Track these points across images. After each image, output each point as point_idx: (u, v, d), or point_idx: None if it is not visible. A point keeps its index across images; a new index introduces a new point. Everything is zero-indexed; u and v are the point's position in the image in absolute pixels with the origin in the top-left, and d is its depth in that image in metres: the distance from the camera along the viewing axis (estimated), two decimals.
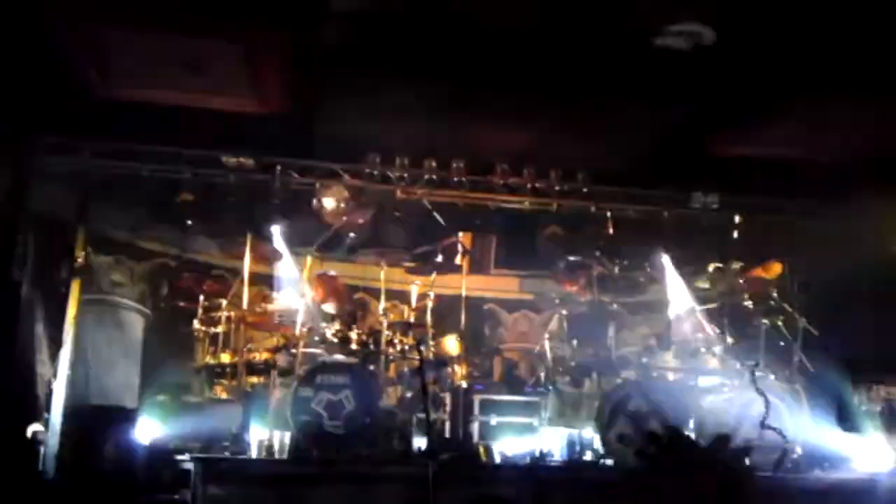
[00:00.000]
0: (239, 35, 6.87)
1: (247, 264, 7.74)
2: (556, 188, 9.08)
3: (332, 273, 8.06)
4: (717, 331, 7.98)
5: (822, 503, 6.19)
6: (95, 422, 6.38)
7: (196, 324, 7.79)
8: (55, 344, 7.04)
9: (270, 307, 7.64)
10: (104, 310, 7.89)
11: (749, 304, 8.00)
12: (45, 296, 7.48)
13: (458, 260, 8.43)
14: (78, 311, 7.17)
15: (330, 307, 7.67)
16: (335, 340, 7.39)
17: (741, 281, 8.14)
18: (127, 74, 7.38)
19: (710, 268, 8.76)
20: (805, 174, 8.75)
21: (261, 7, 6.64)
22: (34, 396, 6.98)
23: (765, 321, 7.81)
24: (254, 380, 7.51)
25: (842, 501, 6.19)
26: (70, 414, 6.46)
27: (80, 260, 7.64)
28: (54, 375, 6.75)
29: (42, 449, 6.36)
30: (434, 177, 8.87)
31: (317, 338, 7.40)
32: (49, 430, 6.45)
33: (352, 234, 8.84)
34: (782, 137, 8.27)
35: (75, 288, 7.29)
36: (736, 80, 7.53)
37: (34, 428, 6.52)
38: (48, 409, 6.60)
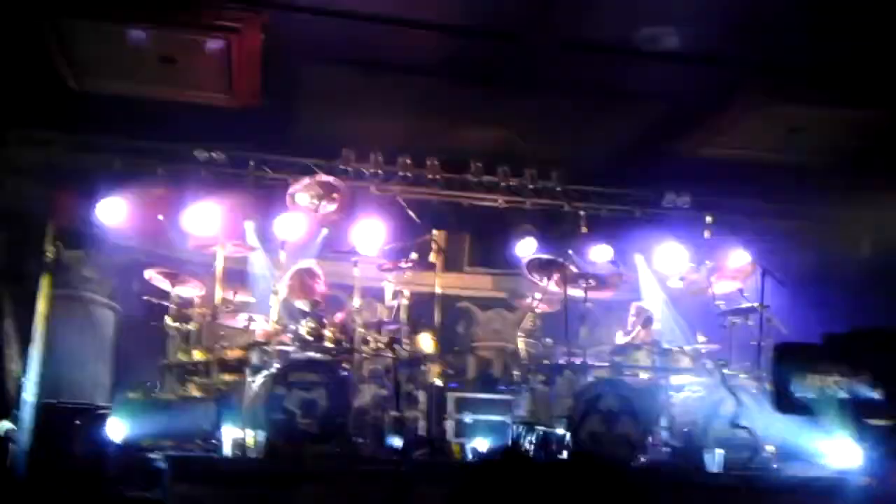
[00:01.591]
0: (214, 28, 6.80)
1: (219, 260, 7.68)
2: (530, 187, 9.13)
3: (314, 269, 8.02)
4: (688, 329, 8.08)
5: (793, 501, 6.28)
6: (66, 419, 6.32)
7: (168, 320, 7.72)
8: (24, 340, 6.94)
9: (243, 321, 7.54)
10: (75, 306, 7.79)
11: (719, 303, 8.08)
12: (14, 291, 7.38)
13: (432, 257, 8.44)
14: (48, 306, 7.07)
15: (304, 304, 7.63)
16: (309, 338, 7.36)
17: (711, 280, 8.23)
18: (100, 67, 7.29)
19: (682, 267, 8.86)
20: (775, 174, 8.86)
21: (237, 0, 6.60)
22: (3, 393, 6.89)
23: (735, 320, 7.90)
24: (226, 377, 7.45)
25: (813, 499, 6.29)
26: (40, 411, 6.37)
27: (49, 255, 7.53)
28: (24, 372, 6.66)
29: (12, 446, 6.27)
30: (408, 174, 8.87)
31: (290, 335, 7.36)
32: (19, 427, 6.36)
33: (325, 231, 8.80)
34: (753, 138, 8.35)
35: (45, 283, 7.19)
36: (707, 81, 7.61)
37: (4, 425, 6.44)
38: (18, 407, 6.50)
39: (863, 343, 2.62)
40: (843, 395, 2.55)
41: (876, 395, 2.54)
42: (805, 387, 2.58)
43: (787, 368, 2.61)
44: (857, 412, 2.60)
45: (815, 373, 2.59)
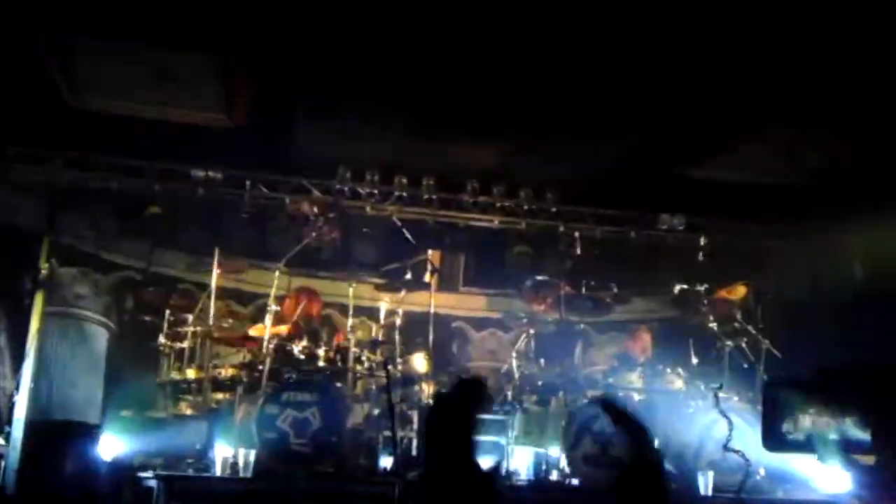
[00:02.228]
0: (212, 48, 6.84)
1: (214, 279, 7.68)
2: (525, 207, 9.15)
3: (312, 289, 8.05)
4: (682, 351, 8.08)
5: None
6: (57, 436, 6.29)
7: (161, 338, 7.72)
8: (17, 357, 6.93)
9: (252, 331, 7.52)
10: (68, 323, 7.80)
11: (713, 325, 8.09)
12: (7, 307, 7.38)
13: (426, 277, 8.44)
14: (41, 323, 7.07)
15: (299, 323, 7.64)
16: (302, 357, 7.36)
17: (706, 302, 8.24)
18: (97, 85, 7.31)
19: (676, 289, 8.87)
20: (770, 197, 8.89)
21: (234, 21, 6.63)
22: None
23: (729, 343, 7.91)
24: (219, 396, 7.45)
25: None
26: (32, 428, 6.36)
27: (44, 271, 7.54)
28: (16, 389, 6.65)
29: (2, 463, 6.25)
30: (404, 194, 8.89)
31: (283, 354, 7.36)
32: (10, 444, 6.34)
33: (321, 250, 8.81)
34: (747, 161, 8.39)
35: (39, 300, 7.19)
36: (703, 104, 7.65)
37: None
38: (9, 423, 6.49)
39: (854, 379, 2.63)
40: (833, 435, 2.57)
41: (864, 435, 2.54)
42: (797, 426, 2.60)
43: (778, 406, 2.62)
44: (846, 450, 2.61)
45: (807, 413, 2.60)
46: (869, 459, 2.65)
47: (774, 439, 2.60)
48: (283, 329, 7.57)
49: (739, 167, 8.53)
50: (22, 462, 6.21)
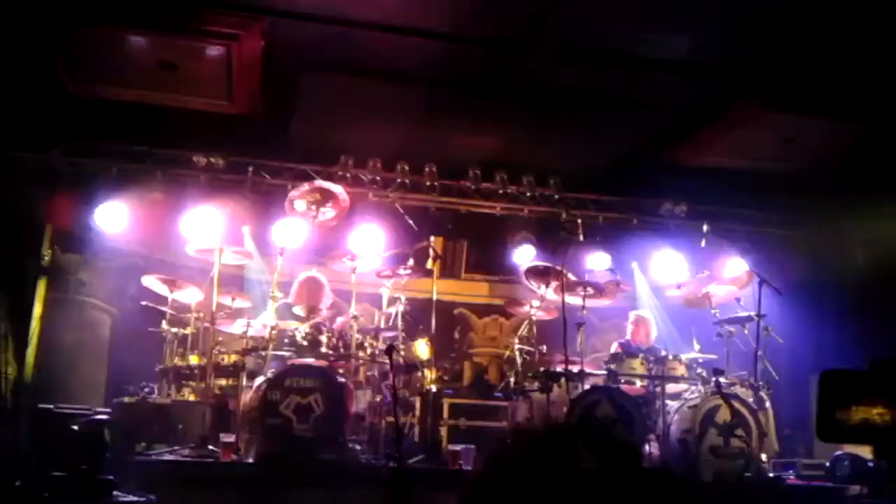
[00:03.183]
0: (214, 35, 6.82)
1: (216, 265, 7.68)
2: (528, 194, 9.14)
3: (320, 278, 8.05)
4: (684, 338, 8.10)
5: None
6: (61, 422, 6.30)
7: (164, 325, 7.73)
8: (21, 343, 6.94)
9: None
10: (71, 309, 7.79)
11: (715, 311, 8.10)
12: (10, 294, 7.38)
13: (429, 264, 8.44)
14: (44, 309, 7.09)
15: (302, 310, 7.64)
16: (305, 343, 7.36)
17: (708, 288, 8.24)
18: (100, 72, 7.30)
19: (678, 275, 8.87)
20: (772, 183, 8.88)
21: (237, 7, 6.62)
22: None
23: (731, 329, 7.91)
24: (222, 382, 7.46)
25: None
26: (36, 414, 6.36)
27: (46, 258, 7.55)
28: (19, 375, 6.66)
29: (6, 449, 6.26)
30: (406, 181, 8.89)
31: (286, 340, 7.37)
32: (14, 429, 6.35)
33: (323, 237, 8.80)
34: (749, 147, 8.38)
35: (42, 286, 7.21)
36: (705, 91, 7.64)
37: None
38: (13, 409, 6.51)
39: None
40: (885, 426, 2.58)
41: None
42: (849, 416, 2.61)
43: (832, 397, 2.63)
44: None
45: (860, 403, 2.62)
46: None
47: (829, 428, 2.62)
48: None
49: (742, 153, 8.53)
50: (26, 448, 6.22)
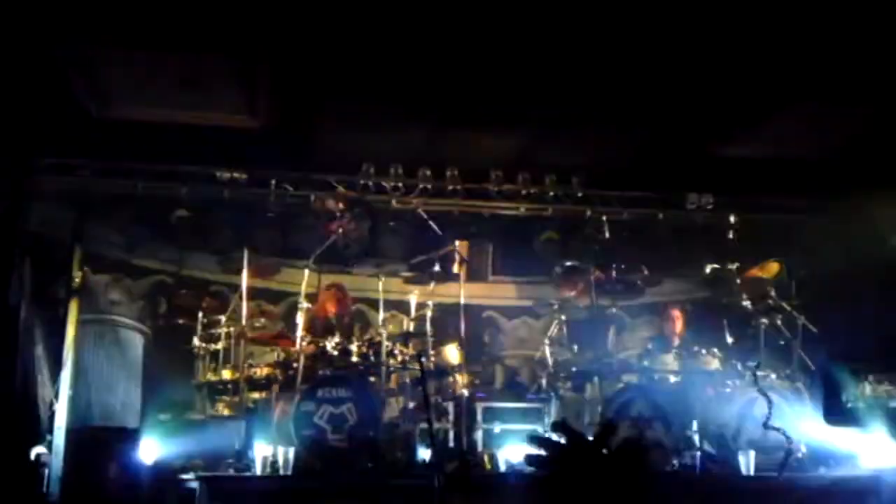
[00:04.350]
0: (233, 51, 6.86)
1: (244, 279, 7.72)
2: (551, 193, 9.11)
3: (343, 285, 8.07)
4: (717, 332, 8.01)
5: (827, 501, 6.20)
6: (98, 442, 6.37)
7: (195, 340, 7.78)
8: (55, 365, 7.00)
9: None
10: (103, 329, 7.85)
11: (747, 304, 8.01)
12: (43, 317, 7.45)
13: (455, 268, 8.43)
14: (77, 331, 7.14)
15: (332, 320, 7.67)
16: (335, 353, 7.38)
17: (739, 281, 8.15)
18: (121, 93, 7.37)
19: (707, 269, 8.78)
20: (800, 172, 8.77)
21: (254, 23, 6.64)
22: (36, 419, 6.94)
23: (764, 321, 7.82)
24: (255, 395, 7.49)
25: (847, 500, 6.21)
26: (73, 435, 6.42)
27: (77, 279, 7.60)
28: (56, 397, 6.72)
29: (46, 471, 6.33)
30: (429, 186, 8.88)
31: (317, 351, 7.39)
32: (52, 451, 6.41)
33: (349, 246, 8.82)
34: (775, 136, 8.29)
35: (73, 308, 7.26)
36: (730, 81, 7.56)
37: (37, 450, 6.49)
38: (51, 431, 6.56)
39: None
40: (893, 404, 2.54)
41: None
42: (856, 396, 2.57)
43: (837, 378, 2.59)
44: None
45: (866, 383, 2.57)
46: None
47: (834, 413, 2.57)
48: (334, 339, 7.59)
49: (767, 143, 8.43)
50: (65, 469, 6.28)
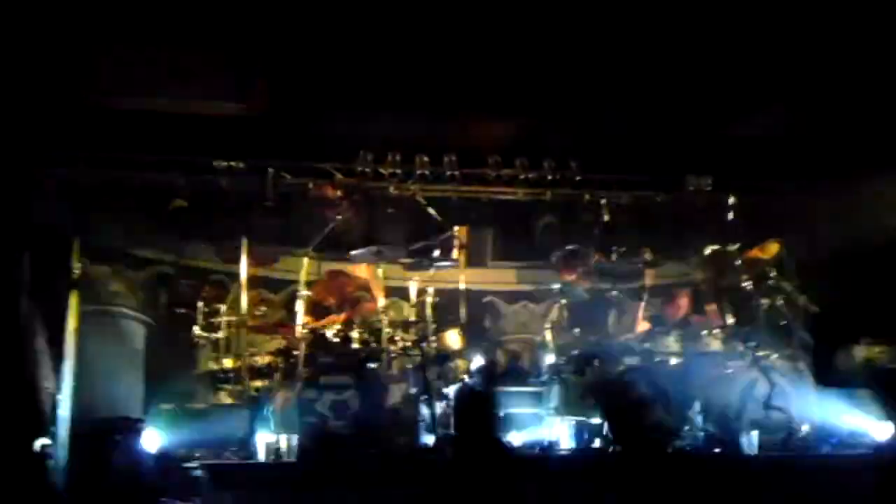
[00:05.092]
0: (227, 39, 6.85)
1: (244, 268, 7.71)
2: (549, 178, 9.10)
3: (345, 271, 8.07)
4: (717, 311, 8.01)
5: (830, 481, 6.22)
6: (102, 433, 6.37)
7: (197, 330, 7.77)
8: (57, 357, 7.01)
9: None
10: (104, 320, 7.87)
11: (747, 284, 8.00)
12: (44, 309, 7.45)
13: (454, 254, 8.42)
14: (78, 322, 7.14)
15: (332, 306, 7.67)
16: (336, 340, 7.38)
17: (738, 262, 8.14)
18: (115, 85, 7.35)
19: (707, 250, 8.77)
20: (800, 153, 8.77)
21: (247, 10, 6.63)
22: (39, 410, 6.94)
23: (764, 301, 7.82)
24: (257, 383, 7.49)
25: (849, 478, 6.22)
26: (76, 426, 6.43)
27: (77, 271, 7.59)
28: (58, 388, 6.72)
29: (50, 462, 6.34)
30: (426, 172, 8.87)
31: (318, 338, 7.40)
32: (56, 443, 6.43)
33: (347, 233, 8.81)
34: (775, 117, 8.28)
35: (74, 300, 7.25)
36: (729, 62, 7.55)
37: (41, 442, 6.50)
38: (54, 423, 6.57)
39: None
40: (888, 365, 2.54)
41: None
42: (850, 358, 2.57)
43: (829, 341, 2.59)
44: None
45: (860, 343, 2.58)
46: None
47: (828, 374, 2.58)
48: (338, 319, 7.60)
49: (766, 123, 8.43)
50: (69, 460, 6.29)
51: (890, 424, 6.67)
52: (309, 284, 7.78)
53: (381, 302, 7.84)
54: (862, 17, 6.68)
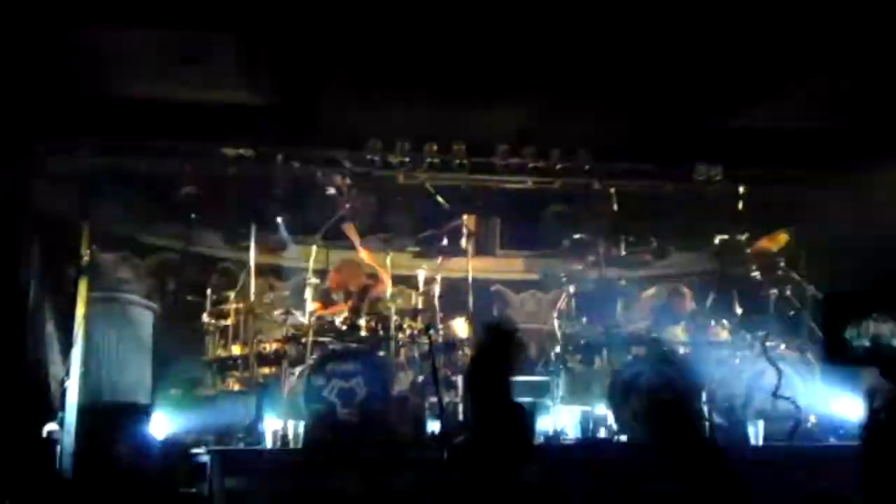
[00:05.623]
0: (235, 27, 6.82)
1: (252, 255, 7.73)
2: (558, 167, 9.07)
3: (356, 260, 8.09)
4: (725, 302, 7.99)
5: (837, 470, 6.19)
6: (110, 419, 6.40)
7: (205, 317, 7.81)
8: (66, 343, 7.04)
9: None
10: (113, 307, 7.85)
11: (756, 274, 7.98)
12: (52, 295, 7.49)
13: (463, 243, 8.42)
14: (86, 309, 7.16)
15: (341, 295, 7.69)
16: (344, 328, 7.40)
17: (748, 252, 8.11)
18: (123, 71, 7.34)
19: (716, 240, 8.74)
20: (809, 142, 8.71)
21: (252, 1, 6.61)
22: (47, 396, 6.99)
23: (773, 291, 7.79)
24: (265, 370, 7.53)
25: (858, 469, 6.19)
26: (84, 412, 6.45)
27: (85, 258, 7.61)
28: (66, 374, 6.75)
29: (58, 447, 6.37)
30: (435, 160, 8.86)
31: (326, 326, 7.41)
32: (64, 428, 6.45)
33: (356, 221, 8.81)
34: (786, 107, 8.22)
35: (83, 286, 7.27)
36: (738, 51, 7.49)
37: (49, 427, 6.54)
38: (62, 408, 6.60)
39: None
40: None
41: None
42: (859, 335, 2.54)
43: (838, 318, 2.56)
44: None
45: (869, 320, 2.54)
46: None
47: (837, 351, 2.54)
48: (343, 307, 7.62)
49: (775, 113, 8.37)
50: (76, 446, 6.32)
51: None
52: (318, 272, 7.80)
53: (389, 290, 7.85)
54: (873, 8, 6.61)
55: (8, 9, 6.21)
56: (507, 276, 10.41)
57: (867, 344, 2.45)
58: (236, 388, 7.46)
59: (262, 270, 8.00)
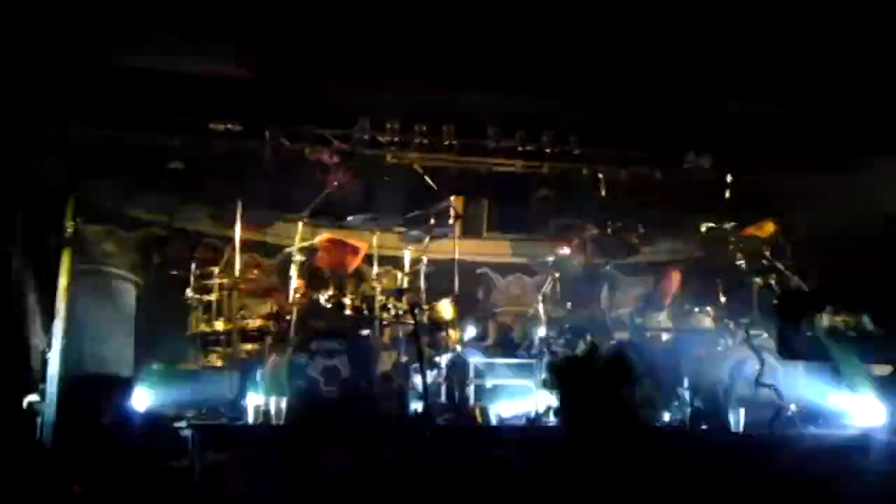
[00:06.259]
0: (221, 3, 6.77)
1: (238, 231, 7.70)
2: (547, 150, 9.05)
3: (343, 239, 8.07)
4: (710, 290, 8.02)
5: (817, 459, 6.24)
6: (92, 391, 6.38)
7: (189, 292, 7.78)
8: (48, 315, 7.00)
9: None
10: (96, 280, 7.83)
11: (742, 263, 8.00)
12: (35, 267, 7.43)
13: (450, 224, 8.40)
14: (70, 281, 7.12)
15: (326, 272, 7.66)
16: (329, 305, 7.39)
17: (734, 240, 8.13)
18: (112, 43, 7.28)
19: (703, 227, 8.75)
20: (799, 132, 8.73)
21: None
22: (29, 367, 6.95)
23: (758, 280, 7.82)
24: (248, 347, 7.51)
25: (837, 458, 6.25)
26: (66, 383, 6.43)
27: (69, 230, 7.56)
28: (48, 346, 6.72)
29: (39, 419, 6.35)
30: (424, 141, 8.82)
31: (310, 303, 7.39)
32: (45, 400, 6.43)
33: (343, 200, 8.78)
34: (775, 96, 8.23)
35: (66, 258, 7.23)
36: (730, 39, 7.49)
37: (30, 398, 6.51)
38: (44, 380, 6.57)
39: (862, 285, 2.61)
40: (850, 333, 2.54)
41: (878, 331, 2.53)
42: (814, 328, 2.57)
43: (791, 315, 2.59)
44: (862, 355, 2.58)
45: (823, 314, 2.58)
46: (884, 370, 2.62)
47: (791, 345, 2.58)
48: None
49: (765, 102, 8.38)
50: (58, 417, 6.30)
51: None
52: (304, 250, 7.78)
53: (375, 269, 7.83)
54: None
55: None
56: (494, 258, 10.41)
57: (821, 336, 2.49)
58: (219, 363, 7.44)
59: (247, 247, 7.95)
